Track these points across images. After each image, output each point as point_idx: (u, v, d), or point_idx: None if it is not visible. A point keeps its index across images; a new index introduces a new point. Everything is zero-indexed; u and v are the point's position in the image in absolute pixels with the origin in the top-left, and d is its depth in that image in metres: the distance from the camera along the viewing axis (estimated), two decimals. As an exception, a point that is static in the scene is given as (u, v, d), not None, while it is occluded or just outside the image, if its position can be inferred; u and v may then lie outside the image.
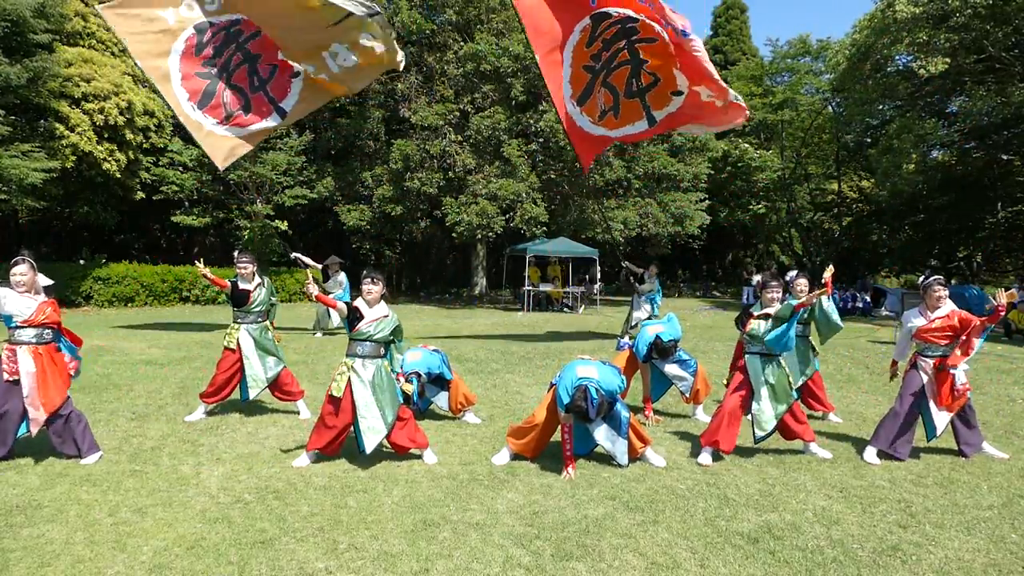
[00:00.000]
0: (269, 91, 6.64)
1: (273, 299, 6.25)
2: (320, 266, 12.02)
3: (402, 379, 4.80)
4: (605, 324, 15.57)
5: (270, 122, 6.75)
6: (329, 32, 6.40)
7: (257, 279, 6.03)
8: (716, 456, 4.95)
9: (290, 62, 6.61)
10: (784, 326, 4.81)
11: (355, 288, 12.49)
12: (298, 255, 11.34)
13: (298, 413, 6.03)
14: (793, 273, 6.19)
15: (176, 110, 6.36)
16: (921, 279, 5.37)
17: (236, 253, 6.11)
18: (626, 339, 12.37)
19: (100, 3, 6.11)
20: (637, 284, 7.02)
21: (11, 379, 4.39)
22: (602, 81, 7.09)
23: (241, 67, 6.52)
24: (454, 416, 6.03)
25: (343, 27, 6.39)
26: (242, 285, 5.94)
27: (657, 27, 6.76)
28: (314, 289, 4.65)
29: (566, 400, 4.42)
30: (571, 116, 7.26)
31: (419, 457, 4.78)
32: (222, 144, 6.53)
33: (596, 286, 22.33)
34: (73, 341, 4.83)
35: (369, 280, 4.64)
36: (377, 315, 4.65)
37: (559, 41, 6.85)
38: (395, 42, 6.71)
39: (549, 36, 6.85)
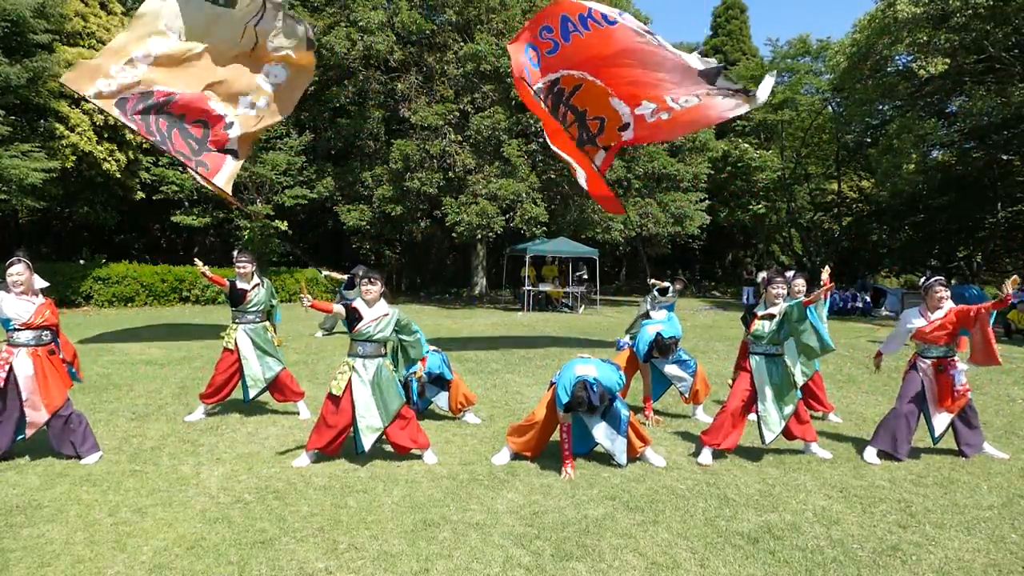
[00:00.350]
0: (210, 147, 7.00)
1: (273, 300, 6.23)
2: (346, 277, 11.95)
3: (421, 365, 5.10)
4: (605, 324, 15.57)
5: (231, 162, 7.15)
6: (256, 56, 6.79)
7: (256, 279, 6.03)
8: (716, 456, 4.96)
9: (218, 112, 6.97)
10: (814, 327, 4.77)
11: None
12: (327, 272, 11.46)
13: (298, 414, 6.03)
14: (790, 274, 6.19)
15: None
16: (922, 280, 5.33)
17: (235, 253, 6.11)
18: (626, 338, 12.39)
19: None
20: (660, 295, 7.19)
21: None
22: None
23: (173, 131, 6.86)
24: (454, 416, 6.03)
25: (262, 47, 6.79)
26: (240, 284, 5.93)
27: (575, 73, 7.13)
28: (308, 301, 4.65)
29: (565, 399, 4.43)
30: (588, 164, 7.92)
31: (419, 457, 4.78)
32: (216, 182, 7.13)
33: (584, 287, 22.26)
34: (66, 353, 4.72)
35: (367, 280, 4.66)
36: (376, 314, 4.66)
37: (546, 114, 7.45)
38: (296, 23, 6.94)
39: (541, 106, 7.43)
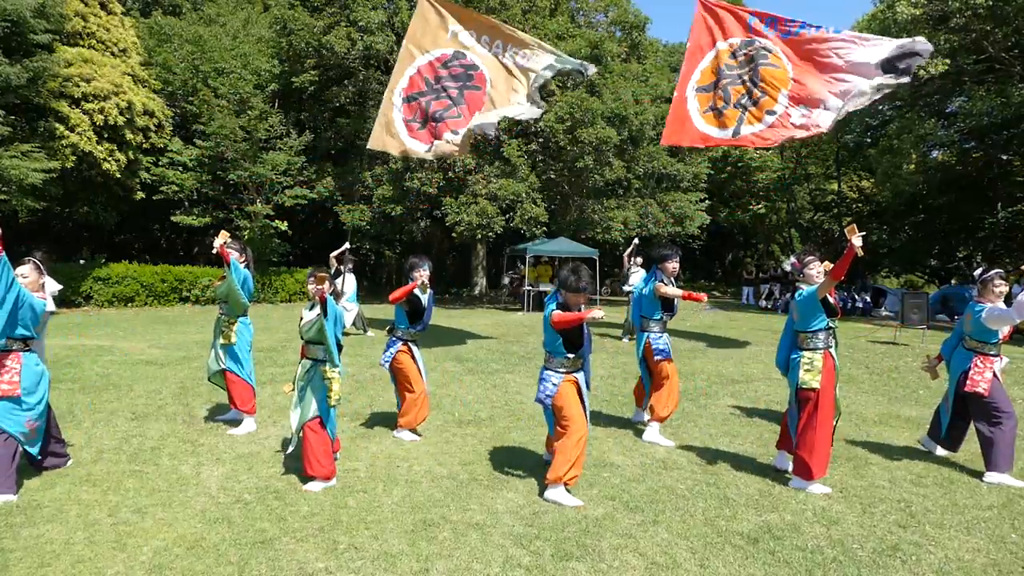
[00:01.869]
0: (438, 131, 7.16)
1: (228, 290, 5.53)
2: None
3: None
4: (604, 324, 15.56)
5: (418, 148, 7.26)
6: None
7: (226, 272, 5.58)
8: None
9: (470, 122, 7.16)
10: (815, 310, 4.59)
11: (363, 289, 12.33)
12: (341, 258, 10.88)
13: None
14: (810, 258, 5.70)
15: (389, 87, 6.91)
16: (978, 272, 5.05)
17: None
18: (625, 339, 12.33)
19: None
20: (637, 267, 7.21)
21: None
22: (721, 88, 7.83)
23: (445, 99, 7.03)
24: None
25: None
26: None
27: (784, 59, 7.36)
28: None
29: None
30: (686, 98, 7.94)
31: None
32: (386, 133, 6.99)
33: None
34: None
35: (312, 279, 4.29)
36: (310, 316, 4.41)
37: (710, 43, 7.66)
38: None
39: (707, 36, 7.68)
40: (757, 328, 14.89)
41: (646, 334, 5.66)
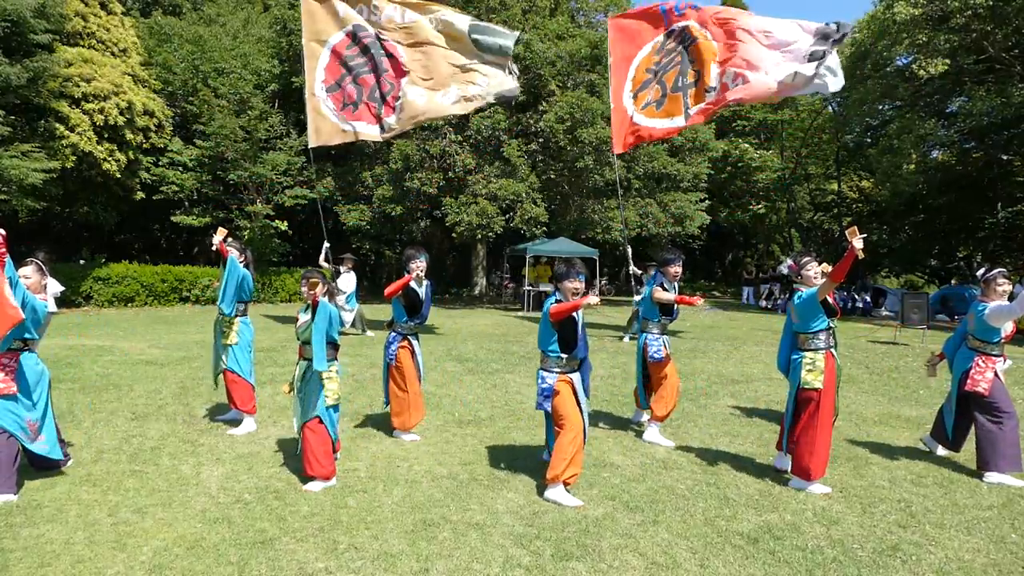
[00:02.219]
0: (385, 103, 7.01)
1: (224, 289, 5.52)
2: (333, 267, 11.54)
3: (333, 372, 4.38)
4: (604, 323, 15.57)
5: (370, 130, 7.09)
6: (453, 75, 6.84)
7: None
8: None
9: (402, 85, 7.01)
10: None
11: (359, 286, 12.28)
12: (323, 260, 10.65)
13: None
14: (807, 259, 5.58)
15: (308, 86, 6.82)
16: (981, 271, 5.02)
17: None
18: (627, 338, 12.33)
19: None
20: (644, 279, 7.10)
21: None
22: (657, 80, 7.86)
23: (368, 74, 6.94)
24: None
25: (463, 75, 6.79)
26: None
27: (703, 29, 7.47)
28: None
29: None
30: (623, 105, 8.00)
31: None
32: (324, 126, 6.89)
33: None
34: None
35: (304, 281, 4.30)
36: (304, 318, 4.38)
37: (634, 51, 7.81)
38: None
39: (628, 46, 7.83)
40: (757, 328, 14.90)
41: (645, 335, 5.68)
